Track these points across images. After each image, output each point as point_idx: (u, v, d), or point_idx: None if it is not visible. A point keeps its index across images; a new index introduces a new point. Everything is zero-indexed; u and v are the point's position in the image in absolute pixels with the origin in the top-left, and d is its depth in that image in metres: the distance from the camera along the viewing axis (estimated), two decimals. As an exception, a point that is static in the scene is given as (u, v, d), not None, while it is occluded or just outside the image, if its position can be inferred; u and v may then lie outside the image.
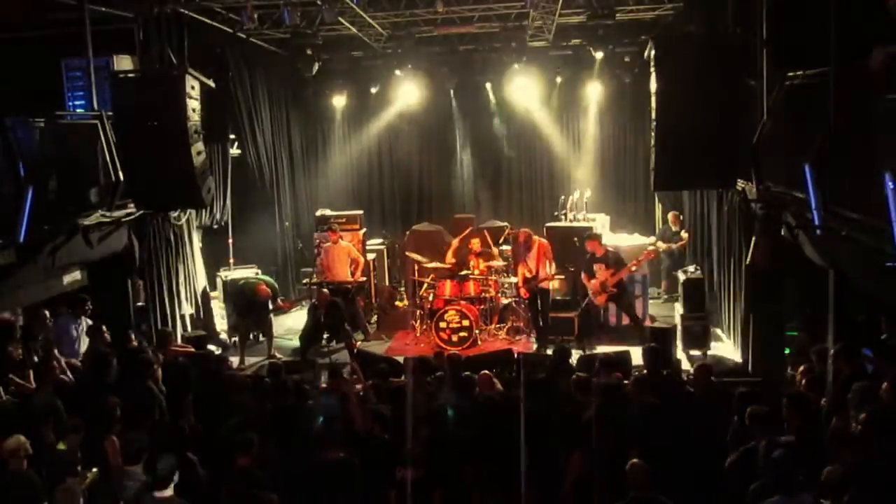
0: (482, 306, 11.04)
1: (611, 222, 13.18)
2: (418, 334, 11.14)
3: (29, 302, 7.67)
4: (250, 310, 10.48)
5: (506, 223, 12.89)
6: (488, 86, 14.40)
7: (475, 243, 11.38)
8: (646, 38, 8.41)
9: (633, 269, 10.29)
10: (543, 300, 10.39)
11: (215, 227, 11.66)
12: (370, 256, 12.85)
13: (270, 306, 10.77)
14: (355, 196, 14.83)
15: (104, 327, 8.04)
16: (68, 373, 7.37)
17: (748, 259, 7.64)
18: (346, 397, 6.66)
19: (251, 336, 10.83)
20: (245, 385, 7.35)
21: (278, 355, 10.42)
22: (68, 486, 5.06)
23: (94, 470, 5.80)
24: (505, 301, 11.44)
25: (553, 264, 10.40)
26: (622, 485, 5.10)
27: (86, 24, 8.27)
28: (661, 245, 12.52)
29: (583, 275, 10.28)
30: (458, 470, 6.06)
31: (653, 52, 7.82)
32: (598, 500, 5.47)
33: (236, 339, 10.79)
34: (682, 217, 12.63)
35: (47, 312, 7.85)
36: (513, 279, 11.15)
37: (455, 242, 11.56)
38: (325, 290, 10.59)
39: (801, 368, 6.83)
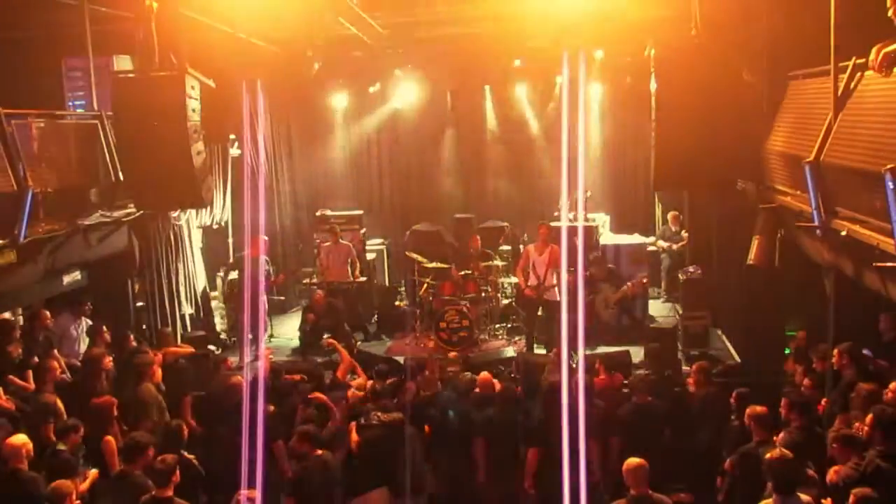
0: (482, 306, 11.04)
1: (611, 222, 13.17)
2: (418, 334, 11.14)
3: (29, 302, 7.66)
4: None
5: (506, 223, 12.87)
6: (488, 86, 14.38)
7: (476, 244, 11.34)
8: (646, 37, 8.39)
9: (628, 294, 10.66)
10: (551, 311, 10.01)
11: (215, 226, 11.65)
12: (370, 256, 12.83)
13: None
14: (355, 196, 14.81)
15: (104, 327, 8.04)
16: (68, 373, 7.37)
17: (748, 259, 7.63)
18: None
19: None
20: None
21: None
22: (61, 485, 5.05)
23: (94, 470, 5.81)
24: (505, 301, 11.42)
25: (558, 273, 10.07)
26: (621, 484, 5.11)
27: (86, 24, 8.27)
28: (662, 244, 12.51)
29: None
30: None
31: (653, 52, 7.82)
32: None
33: (236, 338, 10.74)
34: (682, 217, 12.61)
35: (47, 312, 7.85)
36: (513, 279, 11.08)
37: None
38: (320, 291, 10.52)
39: (801, 368, 6.84)
